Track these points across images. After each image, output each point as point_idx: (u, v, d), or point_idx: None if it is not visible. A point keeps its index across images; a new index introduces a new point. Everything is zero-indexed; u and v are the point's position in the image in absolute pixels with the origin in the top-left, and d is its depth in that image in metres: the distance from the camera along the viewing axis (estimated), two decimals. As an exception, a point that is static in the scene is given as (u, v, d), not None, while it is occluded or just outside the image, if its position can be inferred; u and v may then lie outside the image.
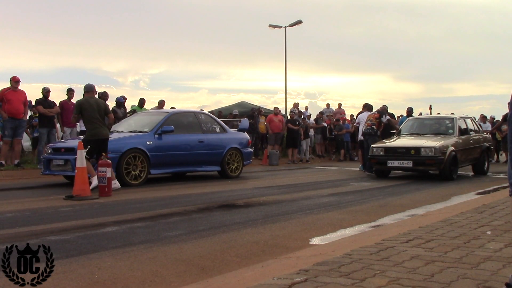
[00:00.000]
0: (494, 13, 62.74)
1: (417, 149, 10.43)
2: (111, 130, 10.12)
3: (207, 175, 11.52)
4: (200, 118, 10.94)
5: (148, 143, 9.36)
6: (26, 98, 10.92)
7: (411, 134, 11.89)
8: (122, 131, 9.90)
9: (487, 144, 12.66)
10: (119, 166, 8.75)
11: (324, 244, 4.13)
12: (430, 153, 10.28)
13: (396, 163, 10.61)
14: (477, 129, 12.90)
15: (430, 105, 16.76)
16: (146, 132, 9.64)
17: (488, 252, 3.26)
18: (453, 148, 10.62)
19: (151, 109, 14.52)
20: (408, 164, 10.48)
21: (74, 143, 9.10)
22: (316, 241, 4.37)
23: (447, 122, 12.02)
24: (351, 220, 5.44)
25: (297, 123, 16.98)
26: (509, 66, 63.59)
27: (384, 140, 11.74)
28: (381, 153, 10.85)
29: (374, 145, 11.28)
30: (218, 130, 11.08)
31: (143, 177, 9.16)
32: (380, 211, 6.11)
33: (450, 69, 64.22)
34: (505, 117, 14.28)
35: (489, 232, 3.95)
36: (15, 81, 10.59)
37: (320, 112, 20.46)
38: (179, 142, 10.02)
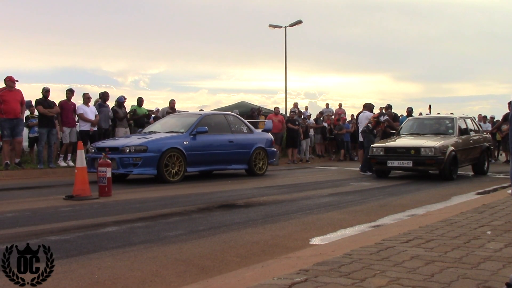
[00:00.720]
0: (494, 13, 62.76)
1: (417, 149, 10.43)
2: (148, 130, 11.08)
3: (208, 175, 11.53)
4: (229, 120, 11.70)
5: (184, 143, 10.07)
6: (23, 98, 10.84)
7: (411, 134, 11.88)
8: (159, 132, 10.66)
9: (487, 144, 12.65)
10: (159, 164, 9.49)
11: (324, 244, 4.13)
12: (430, 153, 10.28)
13: (396, 163, 10.61)
14: (477, 129, 12.88)
15: (430, 105, 16.78)
16: (182, 133, 10.38)
17: (488, 252, 3.26)
18: (453, 148, 10.62)
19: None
20: (408, 164, 10.48)
21: (118, 142, 10.04)
22: (316, 241, 4.37)
23: (447, 122, 12.02)
24: (351, 220, 5.44)
25: (297, 123, 16.99)
26: (509, 66, 63.63)
27: (384, 140, 11.73)
28: (381, 153, 10.85)
29: (374, 145, 11.29)
30: (245, 131, 11.80)
31: (181, 175, 9.86)
32: (380, 211, 6.11)
33: (450, 69, 64.26)
34: (505, 117, 14.28)
35: (489, 232, 3.95)
36: (10, 81, 10.52)
37: (320, 112, 20.47)
38: (212, 142, 10.74)
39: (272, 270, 2.99)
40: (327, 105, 22.47)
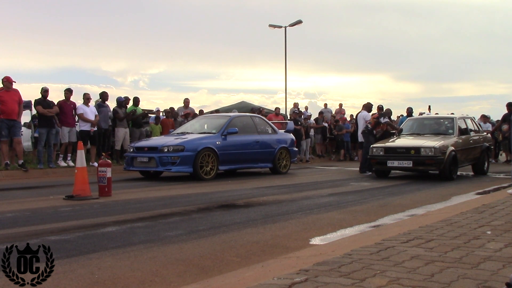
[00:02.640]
0: (494, 13, 62.74)
1: (417, 149, 10.43)
2: (180, 131, 11.71)
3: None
4: (256, 121, 12.43)
5: (217, 143, 10.75)
6: (21, 98, 10.77)
7: (411, 134, 11.90)
8: (192, 133, 11.34)
9: (487, 144, 12.64)
10: (195, 163, 10.15)
11: (324, 244, 4.13)
12: (430, 153, 10.28)
13: (396, 163, 10.62)
14: (477, 129, 12.88)
15: (429, 106, 16.75)
16: (214, 133, 11.09)
17: (488, 252, 3.26)
18: (453, 148, 10.62)
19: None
20: (408, 164, 10.49)
21: (156, 142, 10.72)
22: (316, 241, 4.37)
23: (447, 122, 12.03)
24: (351, 220, 5.44)
25: (299, 123, 17.02)
26: (509, 66, 63.64)
27: (384, 140, 11.74)
28: (381, 153, 10.86)
29: (374, 145, 11.29)
30: (270, 132, 12.52)
31: (214, 173, 10.50)
32: (380, 211, 6.11)
33: (450, 69, 64.23)
34: (504, 117, 14.29)
35: (489, 232, 3.95)
36: (8, 81, 10.47)
37: (320, 112, 20.48)
38: (241, 142, 11.40)
39: (272, 270, 2.99)
40: (325, 105, 22.48)
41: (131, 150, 10.80)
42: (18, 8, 47.99)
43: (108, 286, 3.04)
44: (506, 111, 14.24)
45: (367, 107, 13.60)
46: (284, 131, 13.33)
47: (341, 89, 66.11)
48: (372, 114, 13.55)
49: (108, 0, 58.12)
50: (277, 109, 18.07)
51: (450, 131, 11.56)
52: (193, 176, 10.22)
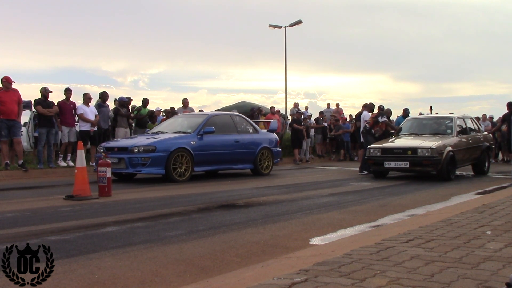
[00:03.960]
0: (494, 13, 62.71)
1: (414, 150, 10.34)
2: (155, 130, 11.19)
3: (208, 175, 11.53)
4: (235, 120, 11.83)
5: (192, 143, 10.20)
6: (20, 98, 10.73)
7: (410, 135, 11.79)
8: (166, 132, 10.75)
9: (487, 144, 12.47)
10: (167, 164, 9.63)
11: (324, 244, 4.13)
12: (426, 154, 10.19)
13: (393, 164, 10.53)
14: (478, 129, 12.74)
15: (431, 106, 16.68)
16: (189, 133, 10.50)
17: (488, 252, 3.26)
18: (450, 148, 10.52)
19: (177, 109, 15.11)
20: (404, 165, 10.40)
21: (127, 142, 10.18)
22: (316, 241, 4.37)
23: (446, 122, 11.89)
24: (351, 220, 5.44)
25: (302, 123, 17.07)
26: (509, 66, 63.62)
27: (381, 141, 11.70)
28: (378, 154, 10.77)
29: (371, 145, 11.22)
30: (251, 131, 11.92)
31: (188, 174, 10.00)
32: (380, 211, 6.11)
33: (450, 69, 64.17)
34: (504, 117, 14.29)
35: (489, 232, 3.95)
36: (7, 81, 10.43)
37: (320, 112, 20.48)
38: (218, 142, 10.85)
39: (272, 270, 2.99)
40: (328, 105, 22.47)
41: (101, 150, 9.99)
42: (18, 8, 48.01)
43: (108, 286, 3.04)
44: (507, 111, 14.21)
45: (369, 107, 13.62)
46: (267, 131, 12.86)
47: (341, 89, 66.12)
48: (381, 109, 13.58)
49: (108, 0, 58.14)
50: (273, 108, 18.08)
51: (449, 131, 11.44)
52: (165, 178, 9.73)
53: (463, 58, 65.14)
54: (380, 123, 12.43)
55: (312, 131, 18.68)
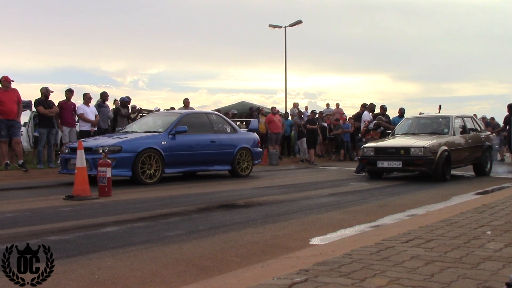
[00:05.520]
0: (494, 13, 62.74)
1: (407, 149, 10.19)
2: (125, 130, 10.58)
3: (207, 175, 11.53)
4: (212, 119, 11.22)
5: (162, 143, 9.63)
6: (20, 97, 10.71)
7: (406, 134, 11.60)
8: (136, 131, 10.22)
9: (488, 143, 12.21)
10: (135, 165, 9.05)
11: (324, 244, 4.13)
12: (419, 153, 10.01)
13: (386, 164, 10.37)
14: (478, 128, 12.48)
15: (440, 106, 16.36)
16: (160, 132, 9.94)
17: (488, 252, 3.26)
18: (445, 147, 10.30)
19: (178, 109, 15.00)
20: (397, 164, 10.22)
21: (92, 143, 9.40)
22: (316, 241, 4.37)
23: (443, 121, 11.67)
24: (351, 220, 5.44)
25: (317, 123, 17.17)
26: (508, 66, 63.64)
27: (376, 140, 11.65)
28: (371, 153, 10.65)
29: (365, 145, 11.16)
30: (229, 130, 11.34)
31: (158, 176, 9.44)
32: (380, 211, 6.11)
33: (450, 69, 64.22)
34: (505, 120, 14.23)
35: (489, 232, 3.95)
36: (6, 81, 10.40)
37: (320, 112, 20.49)
38: (192, 142, 10.30)
39: (272, 270, 2.99)
40: (328, 105, 22.48)
41: (66, 151, 9.52)
42: (18, 8, 48.00)
43: (108, 286, 3.04)
44: (507, 113, 13.98)
45: (370, 108, 13.65)
46: (247, 130, 12.30)
47: (341, 89, 66.17)
48: (375, 114, 13.60)
49: (108, 0, 58.13)
50: (274, 108, 18.08)
51: (446, 130, 11.23)
52: (133, 181, 9.17)
53: (463, 58, 65.20)
54: (372, 131, 12.43)
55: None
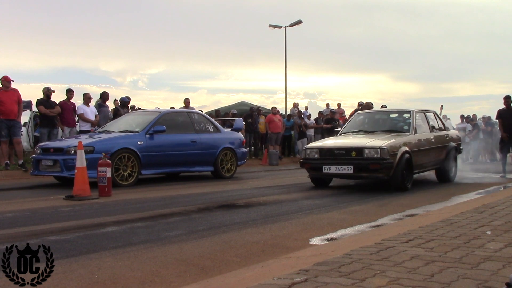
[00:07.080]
0: (494, 13, 62.80)
1: (359, 150, 8.11)
2: (102, 130, 10.30)
3: (207, 175, 11.52)
4: (193, 118, 10.80)
5: (139, 143, 9.25)
6: (20, 97, 10.72)
7: (358, 132, 9.57)
8: (113, 131, 9.83)
9: (454, 144, 10.36)
10: None
11: (324, 244, 4.13)
12: (375, 155, 7.96)
13: (333, 169, 8.28)
14: (441, 126, 10.40)
15: (442, 105, 16.16)
16: (137, 132, 9.54)
17: (488, 252, 3.26)
18: (406, 148, 8.34)
19: (180, 108, 14.97)
20: (348, 169, 8.13)
21: (63, 143, 9.22)
22: (316, 241, 4.37)
23: (403, 117, 9.66)
24: (351, 220, 5.44)
25: (336, 122, 17.18)
26: (508, 66, 63.68)
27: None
28: (315, 155, 8.58)
29: (308, 145, 9.44)
30: (211, 130, 10.90)
31: (134, 178, 9.08)
32: (380, 211, 6.11)
33: (449, 69, 64.27)
34: (499, 114, 14.16)
35: (489, 232, 3.95)
36: (6, 80, 10.40)
37: (320, 112, 20.50)
38: (171, 142, 9.91)
39: (272, 270, 2.99)
40: (328, 105, 22.49)
41: (38, 151, 9.23)
42: (18, 8, 48.00)
43: (108, 286, 3.03)
44: (504, 105, 13.15)
45: (368, 106, 13.64)
46: (231, 129, 11.67)
47: (341, 89, 66.21)
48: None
49: (108, 0, 58.13)
50: (274, 108, 18.08)
51: (406, 127, 9.21)
52: None
53: (463, 58, 65.24)
54: None
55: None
